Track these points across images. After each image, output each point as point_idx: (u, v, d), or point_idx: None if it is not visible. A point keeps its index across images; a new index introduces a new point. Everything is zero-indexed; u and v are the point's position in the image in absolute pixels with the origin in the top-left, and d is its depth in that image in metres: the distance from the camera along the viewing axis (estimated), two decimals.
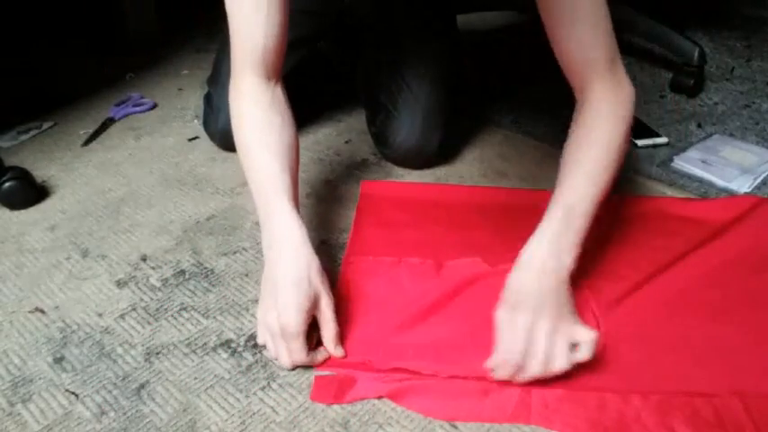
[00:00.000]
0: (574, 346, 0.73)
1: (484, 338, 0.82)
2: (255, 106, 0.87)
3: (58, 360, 0.82)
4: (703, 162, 1.19)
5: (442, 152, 1.18)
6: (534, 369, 0.73)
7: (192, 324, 0.86)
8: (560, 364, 0.73)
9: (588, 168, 0.81)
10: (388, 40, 1.19)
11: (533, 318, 0.73)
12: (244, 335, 0.84)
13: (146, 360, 0.81)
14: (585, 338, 0.73)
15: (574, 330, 0.74)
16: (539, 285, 0.75)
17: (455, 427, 0.73)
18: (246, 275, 0.95)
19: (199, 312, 0.88)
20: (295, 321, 0.76)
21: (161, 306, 0.89)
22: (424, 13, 1.19)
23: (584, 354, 0.73)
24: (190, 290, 0.92)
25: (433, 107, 1.15)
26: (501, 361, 0.74)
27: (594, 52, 0.83)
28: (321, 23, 1.21)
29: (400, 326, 0.84)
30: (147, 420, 0.74)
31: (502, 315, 0.76)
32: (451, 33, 1.24)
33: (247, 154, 0.86)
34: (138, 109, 1.37)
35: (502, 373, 0.75)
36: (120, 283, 0.93)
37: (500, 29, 1.76)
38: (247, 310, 0.88)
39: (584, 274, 0.92)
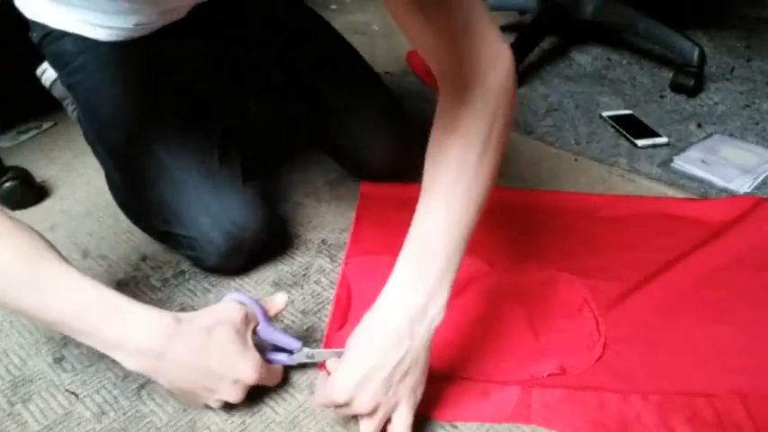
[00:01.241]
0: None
1: (483, 338, 0.82)
2: None
3: (58, 360, 0.82)
4: (703, 162, 1.19)
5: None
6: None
7: None
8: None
9: (448, 183, 0.69)
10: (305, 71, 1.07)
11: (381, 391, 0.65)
12: None
13: None
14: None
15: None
16: (400, 352, 0.65)
17: (455, 427, 0.73)
18: (246, 275, 0.94)
19: None
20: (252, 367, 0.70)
21: (161, 306, 0.89)
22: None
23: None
24: (190, 290, 0.92)
25: (388, 110, 1.08)
26: (327, 396, 0.67)
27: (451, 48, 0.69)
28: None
29: None
30: (147, 420, 0.74)
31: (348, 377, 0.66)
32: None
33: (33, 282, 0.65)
34: None
35: (319, 402, 0.71)
36: (121, 283, 0.93)
37: (500, 28, 1.76)
38: None
39: (585, 274, 0.92)
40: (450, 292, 0.68)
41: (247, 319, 0.72)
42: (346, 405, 0.66)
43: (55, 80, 1.08)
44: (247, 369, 0.70)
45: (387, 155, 1.07)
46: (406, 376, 0.66)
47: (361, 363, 0.66)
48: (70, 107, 1.13)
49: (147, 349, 0.66)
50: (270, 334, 0.75)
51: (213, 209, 0.89)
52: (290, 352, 0.76)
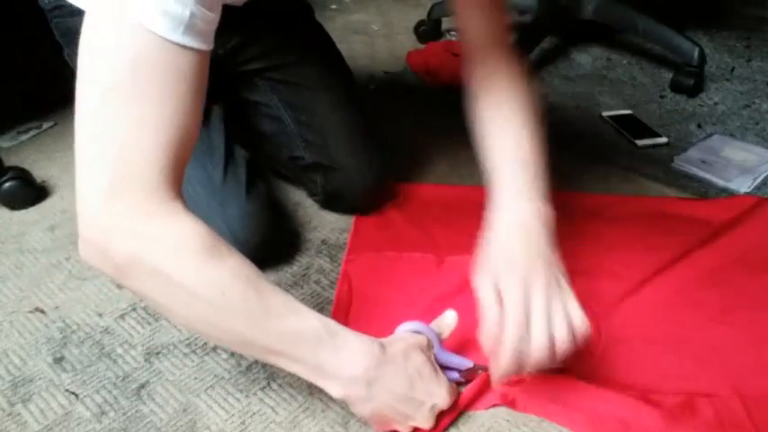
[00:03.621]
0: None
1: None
2: (213, 258, 0.61)
3: (58, 360, 0.82)
4: (703, 162, 1.19)
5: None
6: (536, 355, 0.66)
7: None
8: (562, 345, 0.66)
9: (525, 126, 0.80)
10: (279, 82, 1.04)
11: (524, 289, 0.66)
12: None
13: (146, 360, 0.81)
14: (578, 320, 0.67)
15: (569, 304, 0.67)
16: (526, 245, 0.69)
17: (456, 428, 0.73)
18: None
19: None
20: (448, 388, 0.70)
21: None
22: (310, 43, 1.07)
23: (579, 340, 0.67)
24: None
25: (364, 132, 1.03)
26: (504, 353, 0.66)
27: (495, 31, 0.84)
28: None
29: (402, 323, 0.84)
30: (147, 420, 0.74)
31: (484, 288, 0.68)
32: (338, 56, 1.11)
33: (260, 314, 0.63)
34: None
35: (504, 364, 0.66)
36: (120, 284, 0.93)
37: None
38: None
39: (585, 274, 0.92)
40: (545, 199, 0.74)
41: (428, 344, 0.71)
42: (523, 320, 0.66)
43: None
44: (444, 394, 0.69)
45: (363, 194, 1.03)
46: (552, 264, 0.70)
47: (520, 260, 0.68)
48: None
49: (360, 377, 0.65)
50: (446, 358, 0.73)
51: (216, 222, 0.86)
52: (459, 370, 0.75)
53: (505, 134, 0.79)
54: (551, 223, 0.71)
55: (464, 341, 0.81)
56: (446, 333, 0.74)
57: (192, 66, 0.59)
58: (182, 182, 0.62)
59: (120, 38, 0.57)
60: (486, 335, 0.67)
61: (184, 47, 0.58)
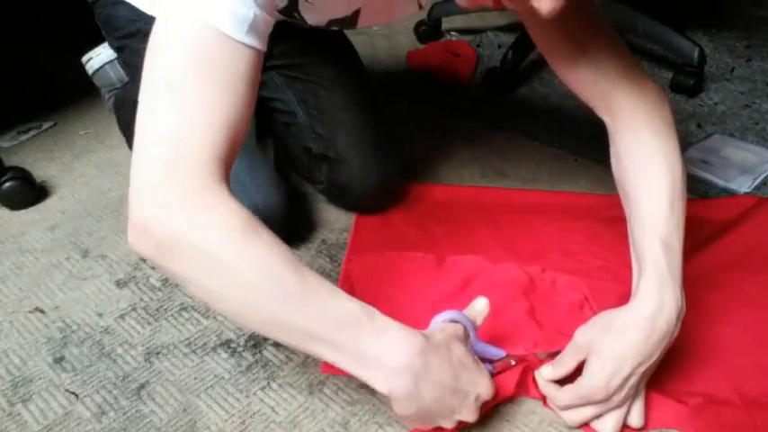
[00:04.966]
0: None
1: (486, 329, 0.82)
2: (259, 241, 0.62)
3: (58, 360, 0.82)
4: (703, 162, 1.19)
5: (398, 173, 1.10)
6: (571, 421, 0.71)
7: (192, 324, 0.86)
8: (637, 421, 0.71)
9: (666, 195, 0.74)
10: (300, 79, 1.06)
11: (635, 366, 0.68)
12: (244, 335, 0.84)
13: (146, 360, 0.81)
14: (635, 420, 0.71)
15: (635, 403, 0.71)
16: (661, 347, 0.68)
17: None
18: None
19: (199, 312, 0.88)
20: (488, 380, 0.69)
21: (161, 306, 0.89)
22: (331, 45, 1.09)
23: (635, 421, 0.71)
24: None
25: (374, 132, 1.04)
26: (582, 395, 0.69)
27: (609, 70, 0.80)
28: None
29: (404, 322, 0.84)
30: (147, 420, 0.74)
31: (578, 342, 0.70)
32: (357, 59, 1.14)
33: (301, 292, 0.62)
34: None
35: (566, 402, 0.71)
36: (120, 283, 0.93)
37: (500, 28, 1.76)
38: None
39: (585, 274, 0.92)
40: None
41: (465, 333, 0.70)
42: (598, 402, 0.69)
43: (98, 69, 1.14)
44: (486, 385, 0.68)
45: (365, 192, 1.03)
46: (654, 366, 0.70)
47: (629, 361, 0.67)
48: (107, 95, 1.19)
49: (405, 368, 0.62)
50: (480, 347, 0.72)
51: (243, 179, 0.90)
52: (491, 361, 0.74)
53: (650, 208, 0.74)
54: (683, 315, 0.70)
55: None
56: (479, 320, 0.73)
57: (250, 63, 0.63)
58: (230, 169, 0.64)
59: (188, 36, 0.61)
60: (545, 375, 0.73)
61: (245, 45, 0.62)
